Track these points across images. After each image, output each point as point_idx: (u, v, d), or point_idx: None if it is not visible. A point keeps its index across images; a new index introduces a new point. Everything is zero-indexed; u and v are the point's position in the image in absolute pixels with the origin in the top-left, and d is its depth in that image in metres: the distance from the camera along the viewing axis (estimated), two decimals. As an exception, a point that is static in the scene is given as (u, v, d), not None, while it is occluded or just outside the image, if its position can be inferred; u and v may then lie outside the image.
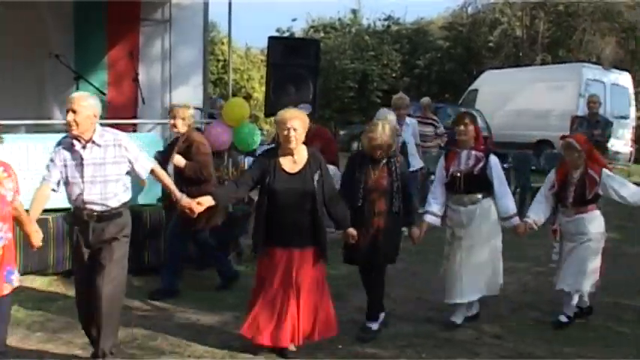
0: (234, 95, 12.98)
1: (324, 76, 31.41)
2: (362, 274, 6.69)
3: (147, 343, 6.25)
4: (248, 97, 33.50)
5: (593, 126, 12.30)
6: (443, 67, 33.39)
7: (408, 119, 11.27)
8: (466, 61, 33.47)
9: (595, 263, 6.86)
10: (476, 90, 23.91)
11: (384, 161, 6.43)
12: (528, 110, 21.12)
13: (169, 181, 5.95)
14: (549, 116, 20.22)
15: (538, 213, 6.94)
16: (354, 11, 35.37)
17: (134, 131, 10.31)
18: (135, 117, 10.88)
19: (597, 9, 29.77)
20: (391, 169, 6.41)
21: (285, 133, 5.64)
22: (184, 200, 5.73)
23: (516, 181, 13.20)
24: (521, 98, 21.70)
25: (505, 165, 14.74)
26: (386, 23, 35.24)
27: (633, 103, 21.56)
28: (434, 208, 6.81)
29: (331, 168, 7.05)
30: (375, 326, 6.59)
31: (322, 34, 34.42)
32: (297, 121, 5.66)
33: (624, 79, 21.48)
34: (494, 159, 6.66)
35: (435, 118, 13.46)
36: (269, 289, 5.73)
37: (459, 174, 6.66)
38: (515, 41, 32.86)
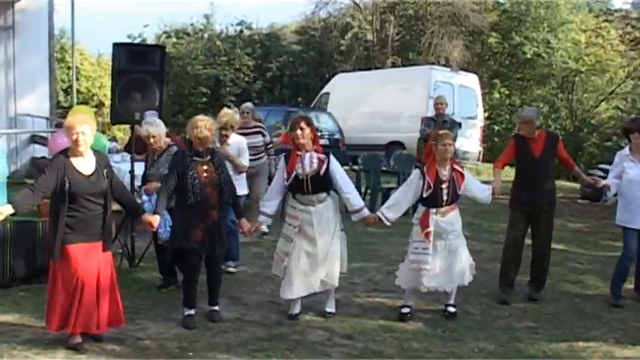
0: (83, 103, 12.41)
1: (177, 82, 30.99)
2: (207, 265, 6.95)
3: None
4: (100, 105, 32.61)
5: (440, 126, 12.34)
6: (295, 70, 33.53)
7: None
8: (318, 65, 33.66)
9: (467, 254, 7.38)
10: (328, 93, 24.00)
11: (209, 157, 6.83)
12: (379, 112, 21.25)
13: None
14: (400, 118, 20.41)
15: (392, 210, 7.08)
16: (206, 16, 35.04)
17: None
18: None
19: (445, 13, 30.47)
20: (215, 163, 6.82)
21: (75, 137, 5.86)
22: None
23: (367, 182, 13.18)
24: (373, 101, 21.84)
25: (355, 167, 14.77)
26: (238, 28, 35.07)
27: (480, 103, 22.10)
28: (268, 209, 7.05)
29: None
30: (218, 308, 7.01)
31: (175, 40, 33.98)
32: (85, 125, 5.89)
33: (472, 80, 21.97)
34: (333, 158, 6.94)
35: (260, 125, 11.06)
36: (67, 284, 5.86)
37: (305, 176, 6.78)
38: (366, 45, 33.23)
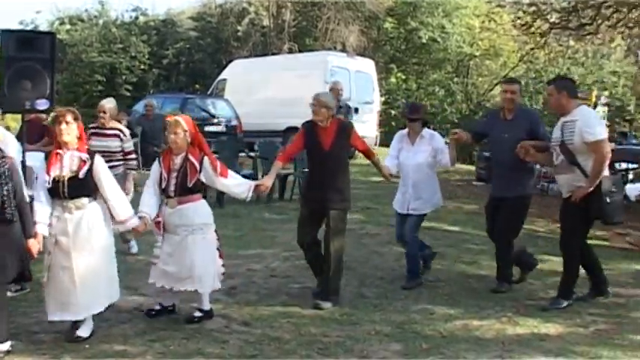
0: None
1: (72, 70, 30.21)
2: None
3: None
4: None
5: (336, 112, 12.34)
6: (192, 57, 33.19)
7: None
8: (215, 51, 33.39)
9: (211, 256, 6.53)
10: (225, 80, 23.84)
11: None
12: (276, 98, 21.14)
13: None
14: (297, 104, 20.21)
15: (150, 205, 6.40)
16: (101, 2, 34.28)
17: None
18: None
19: (340, -1, 30.54)
20: None
21: None
22: None
23: (264, 169, 13.11)
24: (270, 87, 21.74)
25: (252, 154, 14.65)
26: (134, 14, 34.46)
27: (377, 88, 22.24)
28: (41, 217, 5.90)
29: None
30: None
31: (69, 26, 33.07)
32: None
33: (368, 66, 22.05)
34: (100, 160, 6.07)
35: (120, 128, 9.19)
36: None
37: (62, 178, 5.90)
38: (263, 31, 33.12)
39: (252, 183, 6.84)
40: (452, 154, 7.85)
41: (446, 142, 8.11)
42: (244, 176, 7.95)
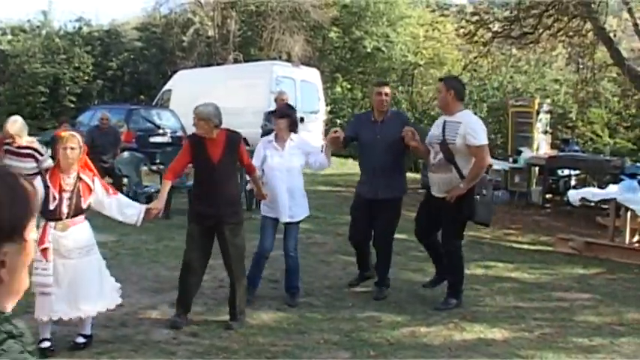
0: None
1: (14, 82, 29.77)
2: None
3: None
4: None
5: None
6: (137, 68, 32.95)
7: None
8: (160, 62, 33.18)
9: (107, 273, 6.27)
10: (170, 90, 23.76)
11: None
12: (222, 108, 20.67)
13: None
14: (243, 114, 20.25)
15: None
16: (44, 12, 33.79)
17: None
18: None
19: (285, 8, 30.57)
20: None
21: None
22: None
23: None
24: (215, 97, 21.22)
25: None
26: (77, 25, 34.04)
27: (322, 98, 22.31)
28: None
29: None
30: None
31: (10, 37, 32.56)
32: None
33: (313, 75, 22.12)
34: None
35: (36, 147, 8.64)
36: None
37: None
38: (208, 41, 33.02)
39: (143, 207, 6.42)
40: (328, 152, 7.71)
41: None
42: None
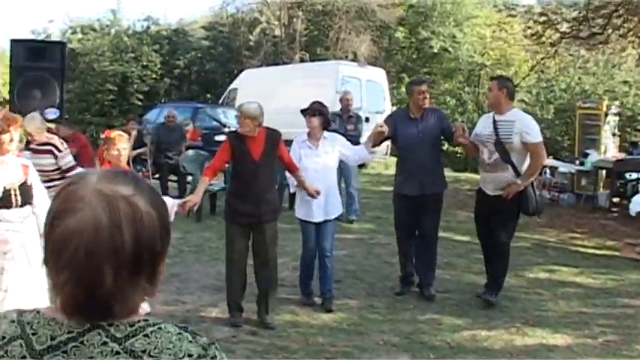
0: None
1: (83, 80, 30.27)
2: None
3: None
4: (4, 103, 31.58)
5: (346, 122, 12.40)
6: (204, 67, 33.17)
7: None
8: (227, 61, 33.38)
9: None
10: (236, 89, 23.86)
11: None
12: (287, 108, 20.99)
13: None
14: (308, 113, 20.38)
15: None
16: (113, 12, 34.31)
17: None
18: None
19: (352, 8, 30.53)
20: None
21: None
22: None
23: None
24: (281, 96, 21.73)
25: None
26: (146, 24, 34.49)
27: (388, 98, 22.26)
28: None
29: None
30: None
31: (80, 35, 33.14)
32: None
33: (379, 75, 22.08)
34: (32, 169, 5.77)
35: (53, 143, 7.91)
36: None
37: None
38: (275, 40, 33.11)
39: (176, 202, 6.42)
40: (369, 146, 7.60)
41: None
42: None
